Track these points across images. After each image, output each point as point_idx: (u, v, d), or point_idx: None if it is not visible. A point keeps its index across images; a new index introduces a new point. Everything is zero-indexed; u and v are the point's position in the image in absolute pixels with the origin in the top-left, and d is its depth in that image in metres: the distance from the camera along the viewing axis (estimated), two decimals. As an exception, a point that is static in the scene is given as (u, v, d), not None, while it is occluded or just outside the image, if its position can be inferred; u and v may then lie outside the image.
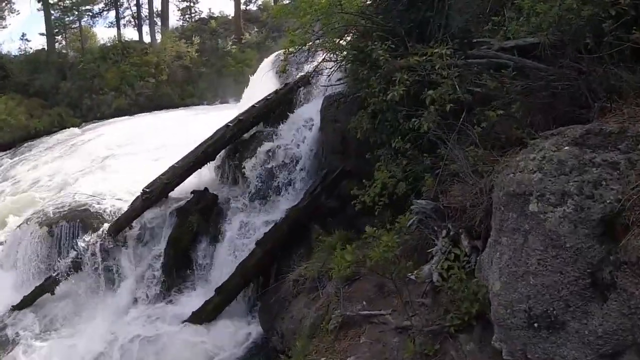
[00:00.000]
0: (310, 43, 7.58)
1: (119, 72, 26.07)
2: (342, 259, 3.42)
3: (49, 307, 10.20)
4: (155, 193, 10.41)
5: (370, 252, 3.27)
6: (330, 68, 8.00)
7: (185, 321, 8.76)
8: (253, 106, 11.10)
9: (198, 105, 25.94)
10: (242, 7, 31.75)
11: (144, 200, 10.36)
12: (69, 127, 23.25)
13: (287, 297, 7.28)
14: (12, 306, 10.18)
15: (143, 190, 10.44)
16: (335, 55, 7.76)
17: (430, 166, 5.33)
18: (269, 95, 11.23)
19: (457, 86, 4.99)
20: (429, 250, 4.29)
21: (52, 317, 9.95)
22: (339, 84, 8.34)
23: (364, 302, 4.79)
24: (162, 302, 9.69)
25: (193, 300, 9.36)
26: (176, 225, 10.29)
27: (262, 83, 13.00)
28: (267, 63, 14.12)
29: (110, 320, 9.47)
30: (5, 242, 11.91)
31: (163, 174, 10.57)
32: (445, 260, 3.78)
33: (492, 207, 3.38)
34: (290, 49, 7.85)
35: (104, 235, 10.49)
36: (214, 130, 10.94)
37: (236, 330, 8.58)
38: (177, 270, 10.03)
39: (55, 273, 10.26)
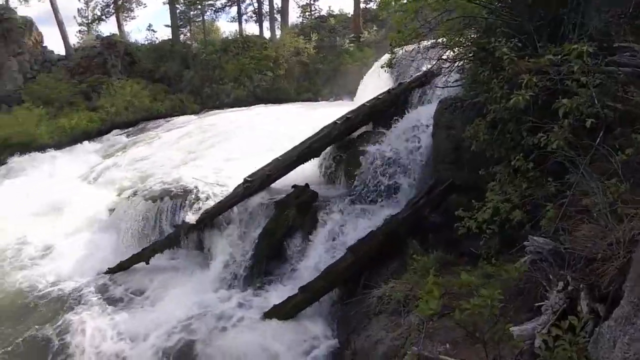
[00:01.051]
0: (421, 35, 6.76)
1: (239, 64, 27.03)
2: (431, 294, 2.76)
3: (140, 276, 10.68)
4: (256, 183, 10.49)
5: (463, 302, 2.56)
6: (447, 67, 7.14)
7: (265, 313, 8.60)
8: (363, 105, 10.60)
9: (313, 100, 26.03)
10: (362, 5, 31.35)
11: (245, 188, 10.48)
12: (188, 113, 24.75)
13: (368, 313, 6.68)
14: (108, 268, 10.82)
15: (245, 179, 10.57)
16: (453, 53, 6.88)
17: (554, 194, 4.38)
18: (380, 94, 10.63)
19: (595, 98, 4.01)
20: (538, 305, 3.42)
21: (141, 285, 10.43)
22: (455, 86, 7.46)
23: (447, 345, 4.05)
24: (248, 289, 9.69)
25: (277, 293, 9.23)
26: (273, 216, 10.23)
27: (376, 82, 12.43)
28: (382, 61, 13.46)
29: (194, 297, 9.61)
30: (114, 210, 12.72)
31: (266, 166, 10.65)
32: (554, 325, 2.92)
33: (631, 268, 2.48)
34: (396, 41, 7.10)
35: (203, 216, 10.72)
36: (321, 127, 10.66)
37: (311, 335, 8.15)
38: (267, 261, 10.02)
39: (153, 244, 10.76)
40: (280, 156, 10.54)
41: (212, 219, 10.76)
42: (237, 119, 21.00)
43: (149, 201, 11.91)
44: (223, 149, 16.45)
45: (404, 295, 5.99)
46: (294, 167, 10.61)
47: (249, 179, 10.44)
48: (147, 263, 10.74)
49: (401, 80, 11.00)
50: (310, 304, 8.46)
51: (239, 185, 10.69)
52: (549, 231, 3.93)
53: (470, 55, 6.19)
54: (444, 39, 6.68)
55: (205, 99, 26.59)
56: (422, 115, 9.62)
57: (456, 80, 7.58)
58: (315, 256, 9.36)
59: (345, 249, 8.47)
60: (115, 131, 23.29)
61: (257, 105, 24.97)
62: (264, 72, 26.93)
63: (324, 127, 10.51)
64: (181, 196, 11.75)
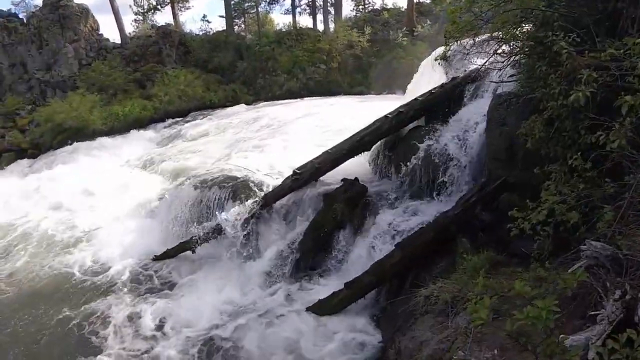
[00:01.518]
0: (476, 28, 6.53)
1: (292, 56, 27.22)
2: (481, 303, 2.63)
3: (187, 264, 10.75)
4: (305, 175, 10.45)
5: (516, 312, 2.45)
6: (503, 62, 6.86)
7: (309, 307, 8.60)
8: (415, 99, 10.40)
9: (365, 94, 25.83)
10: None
11: (294, 180, 10.46)
12: (241, 103, 25.06)
13: (414, 312, 6.57)
14: (155, 256, 11.01)
15: (294, 171, 10.56)
16: (509, 47, 6.61)
17: (613, 195, 4.14)
18: (433, 89, 10.41)
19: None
20: (592, 313, 3.25)
21: (186, 274, 10.48)
22: (511, 81, 7.19)
23: (495, 351, 3.92)
24: (295, 283, 9.64)
25: (324, 287, 9.16)
26: (321, 210, 10.20)
27: (429, 76, 12.19)
28: (436, 55, 13.14)
29: (239, 289, 9.63)
30: (164, 197, 12.85)
31: (316, 158, 10.57)
32: (610, 336, 2.75)
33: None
34: (450, 33, 6.90)
35: (251, 207, 10.71)
36: (373, 120, 10.56)
37: (356, 331, 8.08)
38: (314, 255, 9.97)
39: (200, 234, 10.69)
40: (330, 149, 10.48)
41: (261, 210, 10.81)
42: (291, 111, 20.94)
43: (197, 189, 11.85)
44: (275, 140, 16.47)
45: (452, 296, 5.86)
46: (344, 160, 10.55)
47: (298, 171, 10.44)
48: (194, 252, 10.73)
49: (455, 74, 10.69)
50: (356, 299, 8.43)
51: (287, 178, 10.69)
52: (606, 235, 3.72)
53: (526, 49, 5.92)
54: (500, 33, 6.42)
55: (258, 89, 26.92)
56: (475, 111, 9.36)
57: (511, 76, 7.29)
58: (363, 251, 9.33)
59: (393, 245, 8.42)
60: (169, 120, 23.78)
61: (310, 98, 25.02)
62: (317, 65, 27.02)
63: (376, 121, 10.40)
64: (230, 186, 11.67)
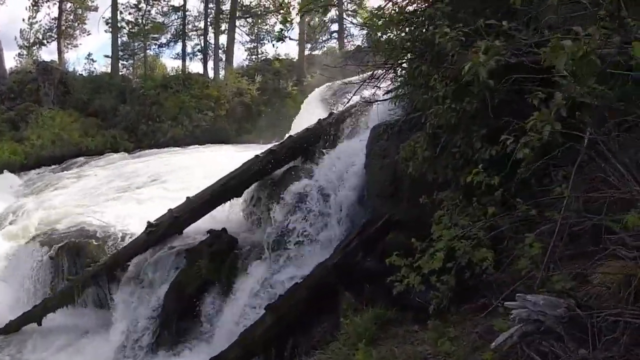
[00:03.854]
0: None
1: (179, 101, 25.09)
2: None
3: (33, 340, 8.72)
4: (162, 228, 8.65)
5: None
6: (381, 75, 5.69)
7: None
8: (290, 137, 9.06)
9: (255, 142, 24.41)
10: (307, 52, 30.85)
11: (148, 234, 8.62)
12: (121, 150, 22.34)
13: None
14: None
15: (148, 222, 8.72)
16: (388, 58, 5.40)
17: (536, 220, 2.85)
18: (309, 126, 9.14)
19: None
20: None
21: (30, 353, 8.49)
22: (387, 99, 6.00)
23: None
24: (156, 357, 7.89)
25: None
26: (183, 268, 8.38)
27: (310, 114, 10.98)
28: (317, 94, 12.14)
29: None
30: (14, 256, 10.55)
31: (175, 208, 8.72)
32: None
33: None
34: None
35: (98, 269, 8.75)
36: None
37: None
38: (177, 322, 8.12)
39: (44, 302, 8.84)
40: (193, 196, 8.74)
41: (110, 271, 8.73)
42: (172, 160, 18.86)
43: (45, 247, 9.84)
44: (149, 190, 14.20)
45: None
46: (210, 209, 8.84)
47: (154, 222, 8.57)
48: (39, 324, 8.75)
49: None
50: None
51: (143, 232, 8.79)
52: (537, 280, 2.37)
53: (406, 47, 4.67)
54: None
55: (141, 136, 24.28)
56: (354, 146, 8.16)
57: (387, 92, 6.10)
58: (235, 316, 7.50)
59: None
60: (41, 168, 20.54)
61: (195, 147, 22.97)
62: (204, 112, 25.13)
63: (245, 163, 8.85)
64: (81, 243, 9.76)
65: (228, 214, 9.71)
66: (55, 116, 22.88)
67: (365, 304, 5.65)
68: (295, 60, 30.36)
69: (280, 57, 31.10)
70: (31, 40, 31.89)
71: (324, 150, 8.59)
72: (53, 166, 20.52)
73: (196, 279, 8.14)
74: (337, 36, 33.51)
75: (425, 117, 4.08)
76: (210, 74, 30.23)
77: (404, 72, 4.94)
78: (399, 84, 5.32)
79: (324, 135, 8.84)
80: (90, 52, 41.69)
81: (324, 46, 34.56)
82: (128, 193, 13.98)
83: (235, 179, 8.61)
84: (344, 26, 32.65)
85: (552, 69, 2.33)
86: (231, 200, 9.08)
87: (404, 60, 4.67)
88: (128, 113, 24.65)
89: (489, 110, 3.19)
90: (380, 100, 6.13)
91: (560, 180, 3.03)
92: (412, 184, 5.31)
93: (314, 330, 6.33)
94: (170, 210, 8.67)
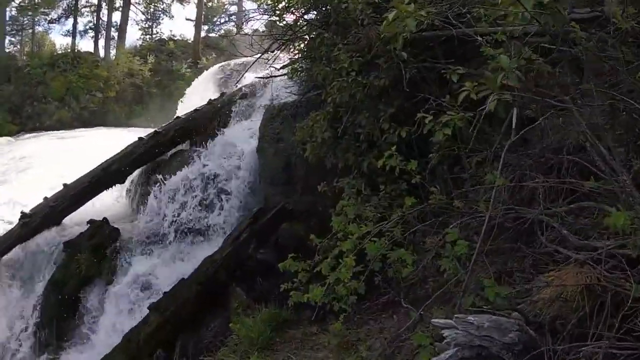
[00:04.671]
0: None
1: (66, 81, 22.51)
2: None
3: None
4: (37, 218, 7.34)
5: None
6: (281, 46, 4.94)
7: None
8: (177, 118, 8.01)
9: (145, 127, 22.51)
10: (203, 33, 29.10)
11: (22, 226, 7.32)
12: (5, 134, 19.55)
13: None
14: None
15: (22, 213, 7.40)
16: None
17: (458, 212, 2.32)
18: (199, 106, 8.14)
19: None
20: None
21: None
22: (283, 74, 5.28)
23: None
24: None
25: None
26: (62, 263, 7.14)
27: (200, 96, 9.90)
28: (208, 74, 11.07)
29: None
30: None
31: (52, 195, 7.48)
32: None
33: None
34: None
35: None
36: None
37: None
38: (57, 323, 6.94)
39: None
40: (71, 182, 7.46)
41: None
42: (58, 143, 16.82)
43: None
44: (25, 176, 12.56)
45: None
46: (90, 196, 7.59)
47: (28, 213, 7.27)
48: None
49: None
50: None
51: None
52: (468, 286, 1.82)
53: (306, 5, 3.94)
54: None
55: (26, 119, 21.55)
56: (246, 129, 7.37)
57: (284, 67, 5.36)
58: (116, 315, 6.44)
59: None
60: None
61: (82, 129, 20.65)
62: (92, 93, 22.65)
63: (127, 146, 7.68)
64: None
65: (113, 202, 8.55)
66: None
67: (258, 302, 4.98)
68: (190, 41, 28.46)
69: (175, 38, 29.04)
70: None
71: (215, 133, 7.66)
72: None
73: (76, 276, 6.95)
74: (235, 18, 31.92)
75: (325, 93, 3.42)
76: (102, 53, 27.50)
77: (303, 45, 4.24)
78: (298, 56, 4.60)
79: (215, 117, 7.89)
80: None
81: (222, 29, 32.85)
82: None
83: (117, 164, 7.43)
84: (243, 8, 31.07)
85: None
86: (113, 186, 7.84)
87: (304, 31, 3.97)
88: (12, 93, 21.80)
89: (403, 85, 2.61)
90: (274, 76, 5.38)
91: (473, 168, 2.56)
92: (308, 170, 4.69)
93: (204, 331, 5.51)
94: (46, 198, 7.36)
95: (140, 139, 7.63)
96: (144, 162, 7.78)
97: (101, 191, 7.78)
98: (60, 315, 6.94)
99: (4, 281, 7.36)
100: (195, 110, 7.99)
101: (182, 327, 5.67)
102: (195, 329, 5.65)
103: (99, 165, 7.56)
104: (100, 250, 7.05)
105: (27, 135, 19.93)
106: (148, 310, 5.73)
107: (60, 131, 20.42)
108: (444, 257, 2.27)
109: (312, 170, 4.53)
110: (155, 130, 7.70)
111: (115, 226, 7.36)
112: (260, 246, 5.66)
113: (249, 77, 8.20)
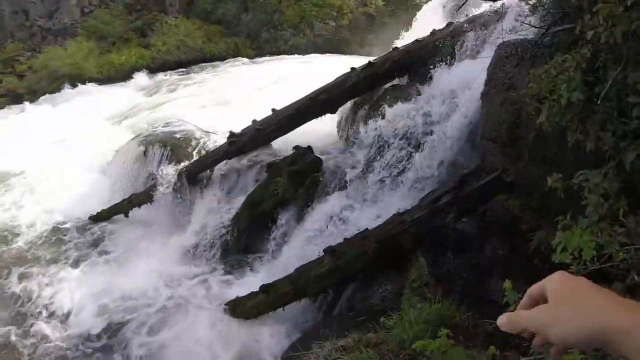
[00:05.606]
0: None
1: (300, 10, 23.23)
2: None
3: (119, 228, 8.69)
4: (243, 139, 7.50)
5: None
6: None
7: (226, 304, 6.03)
8: (395, 49, 7.05)
9: (377, 55, 21.98)
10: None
11: (229, 144, 7.56)
12: (243, 57, 21.52)
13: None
14: (90, 216, 8.95)
15: (230, 132, 7.64)
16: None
17: None
18: (421, 38, 7.01)
19: None
20: None
21: (113, 240, 8.47)
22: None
23: None
24: (218, 268, 7.21)
25: (250, 280, 6.64)
26: (261, 183, 7.40)
27: (427, 25, 8.60)
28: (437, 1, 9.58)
29: (159, 265, 7.34)
30: (117, 151, 10.33)
31: (259, 120, 7.58)
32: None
33: None
34: None
35: (181, 171, 8.17)
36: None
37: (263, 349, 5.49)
38: (248, 238, 7.36)
39: (130, 197, 8.61)
40: (279, 109, 7.42)
41: (193, 176, 8.01)
42: (293, 68, 17.46)
43: (141, 147, 9.41)
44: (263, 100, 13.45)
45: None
46: (296, 124, 7.43)
47: (237, 133, 7.50)
48: (127, 216, 8.59)
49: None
50: (273, 308, 5.63)
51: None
52: None
53: None
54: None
55: (263, 44, 23.11)
56: (474, 67, 5.96)
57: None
58: (300, 244, 6.35)
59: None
60: (167, 72, 20.34)
61: (316, 55, 21.35)
62: (326, 21, 23.12)
63: (339, 77, 7.15)
64: (174, 144, 9.03)
65: (329, 132, 8.31)
66: (180, 24, 22.54)
67: (439, 281, 4.05)
68: (426, -30, 26.29)
69: (414, -36, 27.18)
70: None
71: (435, 69, 6.51)
72: (179, 69, 20.44)
73: (272, 197, 7.09)
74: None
75: (582, 25, 2.06)
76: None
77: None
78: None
79: (437, 50, 6.66)
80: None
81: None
82: (234, 100, 13.16)
83: (326, 94, 7.00)
84: None
85: None
86: (322, 116, 7.52)
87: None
88: (250, 21, 23.53)
89: None
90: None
91: None
92: (540, 137, 3.36)
93: (374, 290, 4.90)
94: (254, 121, 7.47)
95: (352, 69, 7.00)
96: (356, 94, 7.20)
97: (308, 120, 7.52)
98: (251, 230, 7.33)
99: (215, 189, 8.04)
100: (416, 41, 6.91)
101: (352, 277, 5.22)
102: (367, 284, 5.12)
103: (308, 95, 7.27)
104: (299, 177, 6.95)
105: (264, 58, 21.39)
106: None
107: (296, 55, 21.46)
108: None
109: (546, 140, 3.22)
110: (369, 61, 6.93)
111: (319, 156, 7.13)
112: (460, 216, 4.60)
113: (484, 6, 6.64)
